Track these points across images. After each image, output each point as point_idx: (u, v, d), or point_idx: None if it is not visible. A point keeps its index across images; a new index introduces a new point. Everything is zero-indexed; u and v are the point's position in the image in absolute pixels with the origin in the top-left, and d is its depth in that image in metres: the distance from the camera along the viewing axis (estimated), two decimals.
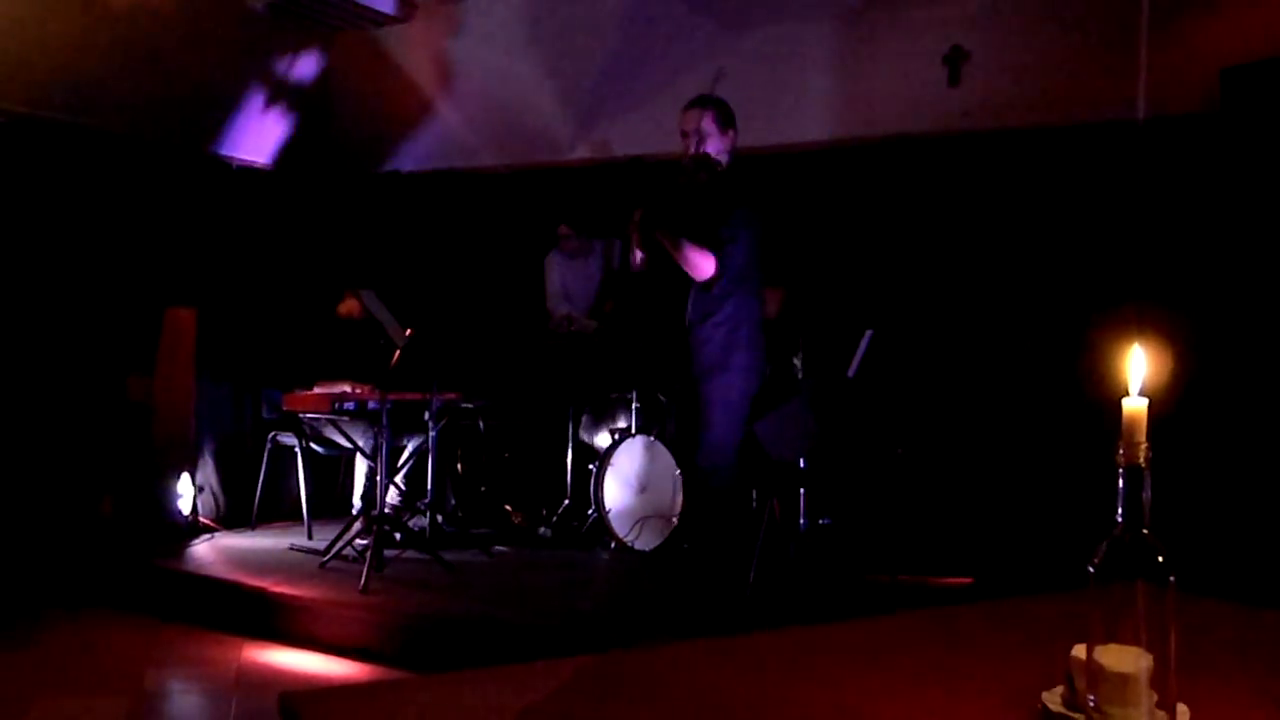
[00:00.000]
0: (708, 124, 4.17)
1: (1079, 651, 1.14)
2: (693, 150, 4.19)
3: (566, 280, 6.15)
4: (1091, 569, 1.12)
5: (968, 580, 4.74)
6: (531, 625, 4.15)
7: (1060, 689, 1.18)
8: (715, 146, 4.18)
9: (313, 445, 5.69)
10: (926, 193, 5.50)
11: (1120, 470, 1.11)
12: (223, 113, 6.30)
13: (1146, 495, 1.10)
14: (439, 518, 5.59)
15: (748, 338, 4.17)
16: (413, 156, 6.96)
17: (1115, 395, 1.13)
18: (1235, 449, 4.36)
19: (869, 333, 4.80)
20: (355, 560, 4.81)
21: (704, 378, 4.21)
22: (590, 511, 5.56)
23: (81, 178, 5.67)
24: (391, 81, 6.49)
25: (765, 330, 4.31)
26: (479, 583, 4.80)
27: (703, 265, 4.10)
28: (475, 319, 6.30)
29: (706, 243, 4.11)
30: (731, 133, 4.22)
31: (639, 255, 4.33)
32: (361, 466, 5.59)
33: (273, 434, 5.77)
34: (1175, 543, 1.11)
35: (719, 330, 4.16)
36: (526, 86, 6.28)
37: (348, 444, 5.52)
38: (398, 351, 4.91)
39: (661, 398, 5.55)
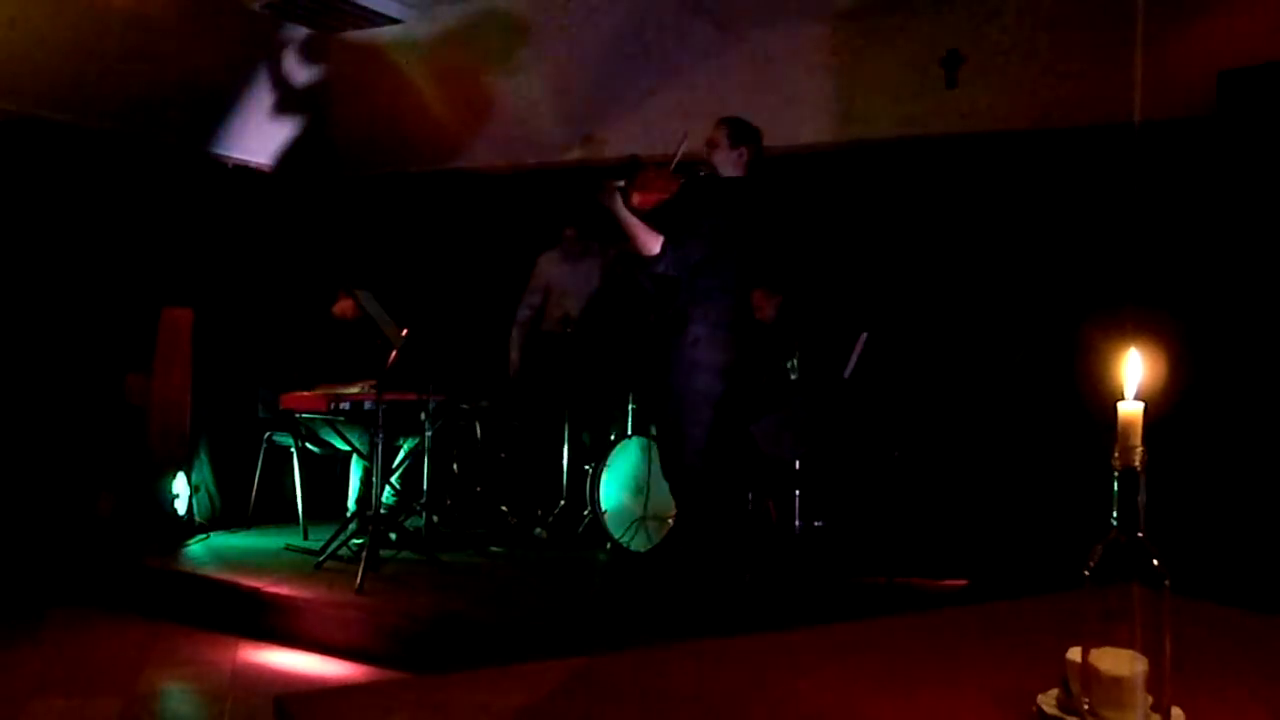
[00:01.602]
0: (720, 136, 4.38)
1: (1074, 654, 1.14)
2: (706, 157, 4.40)
3: (563, 281, 6.12)
4: (1087, 572, 1.12)
5: (963, 582, 4.74)
6: (527, 626, 4.15)
7: (1055, 692, 1.19)
8: (721, 158, 4.36)
9: (308, 445, 5.68)
10: (923, 195, 5.50)
11: (1115, 473, 1.11)
12: (220, 113, 6.29)
13: (1142, 498, 1.10)
14: (435, 518, 5.58)
15: (707, 336, 4.20)
16: (409, 157, 6.95)
17: (1111, 399, 1.13)
18: (1231, 453, 4.37)
19: (864, 335, 4.80)
20: (351, 560, 4.81)
21: (667, 377, 4.26)
22: (586, 512, 5.56)
23: (79, 177, 5.66)
24: (389, 82, 6.48)
25: (746, 333, 4.32)
26: (474, 583, 4.80)
27: (647, 242, 4.26)
28: (472, 320, 6.30)
29: (664, 230, 4.24)
30: (743, 148, 4.36)
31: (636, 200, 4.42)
32: (357, 467, 5.58)
33: (268, 434, 5.77)
34: (1170, 546, 1.11)
35: (676, 329, 4.23)
36: (524, 87, 6.28)
37: (344, 444, 5.52)
38: (394, 352, 4.91)
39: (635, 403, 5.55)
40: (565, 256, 6.13)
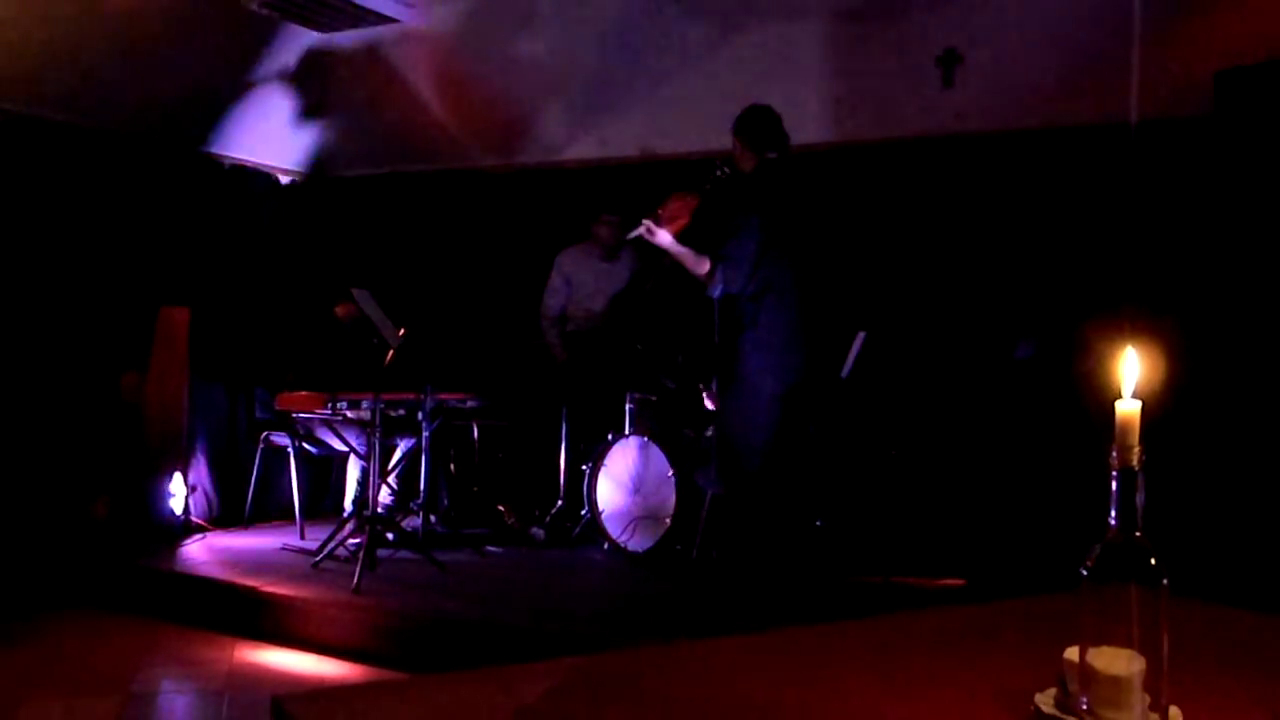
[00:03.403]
0: (735, 146, 4.58)
1: (1072, 654, 1.14)
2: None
3: (589, 278, 5.99)
4: (1084, 571, 1.12)
5: (960, 582, 4.74)
6: (524, 626, 4.15)
7: (1053, 691, 1.19)
8: (747, 160, 4.55)
9: (305, 445, 5.68)
10: (920, 195, 5.50)
11: (1113, 473, 1.11)
12: (217, 112, 6.28)
13: (1140, 498, 1.10)
14: (432, 518, 5.58)
15: (761, 341, 4.35)
16: (407, 157, 6.94)
17: (1108, 398, 1.13)
18: (1228, 452, 4.37)
19: (862, 334, 4.81)
20: (348, 560, 4.81)
21: (723, 383, 4.45)
22: (583, 512, 5.56)
23: (75, 176, 5.65)
24: (388, 82, 6.48)
25: (801, 331, 4.46)
26: (472, 583, 4.80)
27: (696, 266, 4.46)
28: (470, 319, 6.29)
29: (711, 247, 4.42)
30: (735, 141, 4.54)
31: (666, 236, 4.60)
32: (354, 467, 5.57)
33: (266, 434, 5.76)
34: (1168, 545, 1.11)
35: (731, 336, 4.39)
36: (523, 87, 6.28)
37: (341, 444, 5.51)
38: (391, 352, 4.91)
39: (655, 397, 5.54)
40: (596, 252, 5.97)
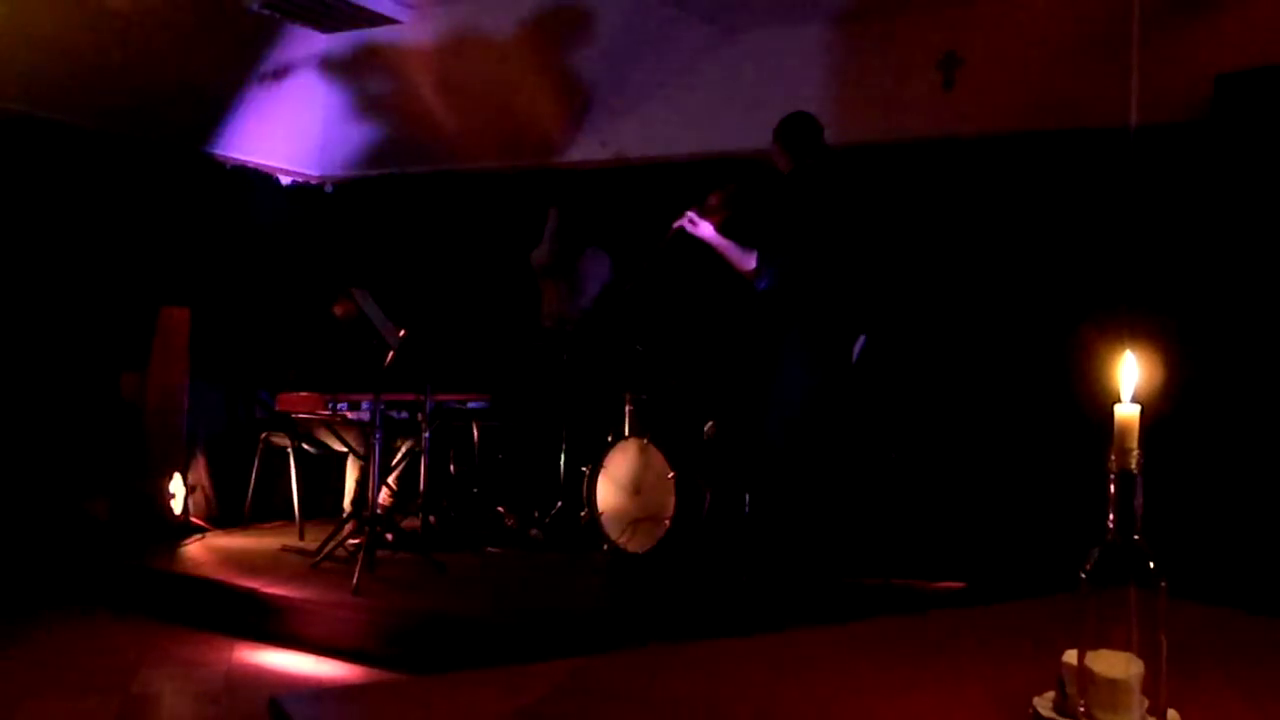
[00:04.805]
0: (774, 150, 4.70)
1: (1070, 656, 1.15)
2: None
3: (553, 277, 6.03)
4: (1083, 574, 1.12)
5: (960, 585, 4.74)
6: (523, 627, 4.15)
7: (1052, 694, 1.19)
8: (784, 163, 4.66)
9: (305, 446, 5.67)
10: (919, 197, 5.50)
11: (1112, 476, 1.11)
12: (217, 112, 6.29)
13: (1138, 501, 1.11)
14: (431, 519, 5.58)
15: (804, 335, 4.44)
16: (408, 157, 6.95)
17: (1107, 401, 1.14)
18: (1227, 455, 4.37)
19: (862, 337, 4.81)
20: (347, 561, 4.80)
21: (766, 375, 4.54)
22: (583, 513, 5.56)
23: (75, 176, 5.65)
24: (387, 81, 6.48)
25: (835, 331, 4.56)
26: (471, 584, 4.80)
27: (742, 262, 4.60)
28: (469, 320, 6.29)
29: (756, 242, 4.55)
30: (777, 145, 4.67)
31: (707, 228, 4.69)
32: (354, 467, 5.57)
33: (265, 434, 5.76)
34: (1167, 548, 1.11)
35: (774, 329, 4.50)
36: (522, 87, 6.28)
37: (340, 445, 5.51)
38: (391, 352, 4.91)
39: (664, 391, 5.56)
40: (551, 249, 6.02)
